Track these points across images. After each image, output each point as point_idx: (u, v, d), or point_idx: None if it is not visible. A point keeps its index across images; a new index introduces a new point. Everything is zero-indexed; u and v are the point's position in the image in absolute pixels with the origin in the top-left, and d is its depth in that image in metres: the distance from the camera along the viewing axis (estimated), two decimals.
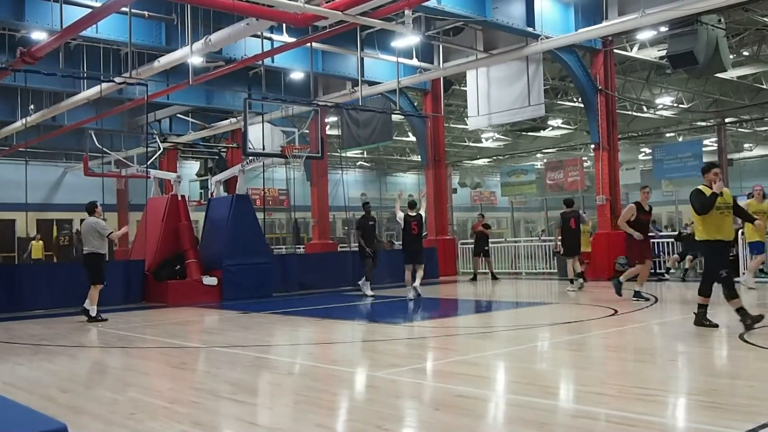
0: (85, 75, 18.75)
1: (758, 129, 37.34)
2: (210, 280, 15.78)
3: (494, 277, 20.18)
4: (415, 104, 23.67)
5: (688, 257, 17.21)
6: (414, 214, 15.11)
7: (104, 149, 22.73)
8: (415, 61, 19.85)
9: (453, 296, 16.65)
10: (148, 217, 17.40)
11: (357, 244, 16.40)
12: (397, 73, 19.58)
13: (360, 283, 16.17)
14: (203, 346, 9.75)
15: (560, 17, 17.65)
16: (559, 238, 15.88)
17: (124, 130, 26.64)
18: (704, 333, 9.44)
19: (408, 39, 17.31)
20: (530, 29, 17.05)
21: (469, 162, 44.22)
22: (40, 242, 27.88)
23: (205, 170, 29.74)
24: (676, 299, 13.59)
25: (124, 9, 14.54)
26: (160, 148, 21.77)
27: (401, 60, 19.32)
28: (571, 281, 15.69)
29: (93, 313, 12.15)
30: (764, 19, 19.79)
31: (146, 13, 15.86)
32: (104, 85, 18.19)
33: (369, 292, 15.78)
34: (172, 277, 15.89)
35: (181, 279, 15.92)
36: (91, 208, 12.62)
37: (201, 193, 28.76)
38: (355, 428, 5.12)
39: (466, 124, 27.95)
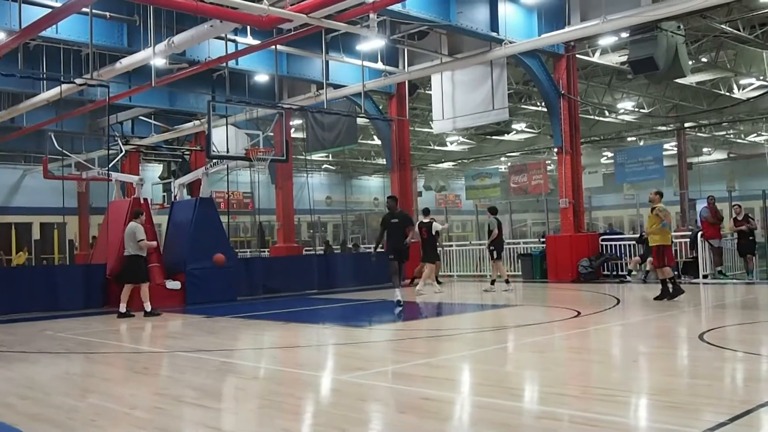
0: (45, 76, 18.41)
1: (716, 133, 38.13)
2: (173, 284, 15.59)
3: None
4: (380, 107, 23.69)
5: (650, 259, 17.46)
6: (427, 220, 16.74)
7: (64, 151, 22.34)
8: (380, 65, 19.88)
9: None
10: (110, 221, 17.11)
11: (381, 245, 14.19)
12: (362, 76, 19.58)
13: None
14: (166, 350, 9.64)
15: (524, 22, 17.81)
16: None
17: (85, 132, 26.21)
18: (664, 334, 9.61)
19: (373, 42, 17.33)
20: (494, 34, 17.19)
21: (434, 165, 44.46)
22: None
23: (168, 173, 29.43)
24: (637, 301, 13.79)
25: (84, 9, 14.32)
26: (122, 151, 21.47)
27: (366, 63, 19.33)
28: (493, 282, 16.82)
29: (148, 309, 13.37)
30: (722, 26, 20.18)
31: (108, 13, 15.64)
32: (64, 86, 17.87)
33: (396, 298, 13.53)
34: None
35: None
36: (136, 215, 13.92)
37: (164, 196, 28.44)
38: None
39: (431, 128, 28.06)
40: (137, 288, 13.49)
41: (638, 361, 7.62)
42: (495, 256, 16.68)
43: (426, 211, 17.52)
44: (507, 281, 16.52)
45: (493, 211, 17.01)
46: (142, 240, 13.51)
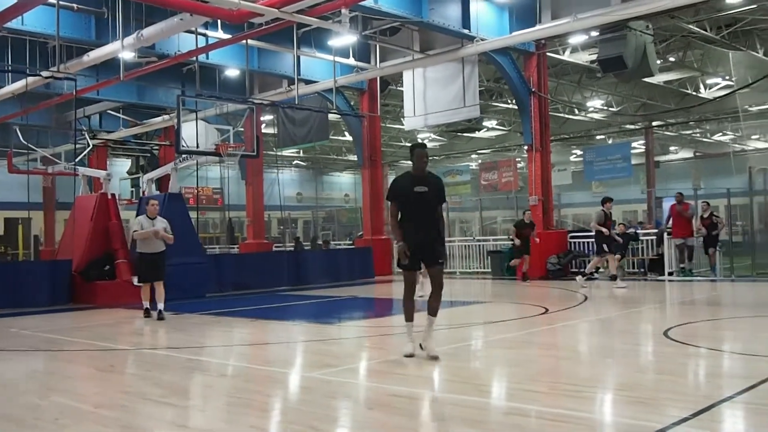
0: (10, 68, 18.09)
1: (683, 132, 38.64)
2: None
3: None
4: (352, 104, 23.65)
5: (616, 256, 17.61)
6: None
7: (30, 145, 22.01)
8: (351, 61, 19.84)
9: (388, 296, 16.69)
10: (77, 216, 16.92)
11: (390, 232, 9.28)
12: (334, 72, 19.52)
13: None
14: (133, 348, 9.54)
15: (495, 20, 17.90)
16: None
17: (51, 126, 25.82)
18: (630, 330, 9.73)
19: (345, 38, 17.28)
20: (466, 31, 17.26)
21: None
22: None
23: (137, 168, 29.07)
24: (604, 297, 13.93)
25: (51, 1, 14.12)
26: (89, 145, 21.20)
27: (338, 59, 19.28)
28: (614, 277, 15.53)
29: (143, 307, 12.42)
30: (689, 26, 20.44)
31: (75, 5, 15.38)
32: (30, 79, 17.57)
33: (406, 348, 7.62)
34: (102, 277, 15.50)
35: (110, 279, 15.54)
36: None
37: (132, 191, 28.11)
38: (289, 429, 5.09)
39: (403, 124, 28.08)
40: (95, 285, 13.13)
41: (605, 357, 7.70)
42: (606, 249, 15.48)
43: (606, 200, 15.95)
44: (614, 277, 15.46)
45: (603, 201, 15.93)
46: (134, 232, 12.29)
